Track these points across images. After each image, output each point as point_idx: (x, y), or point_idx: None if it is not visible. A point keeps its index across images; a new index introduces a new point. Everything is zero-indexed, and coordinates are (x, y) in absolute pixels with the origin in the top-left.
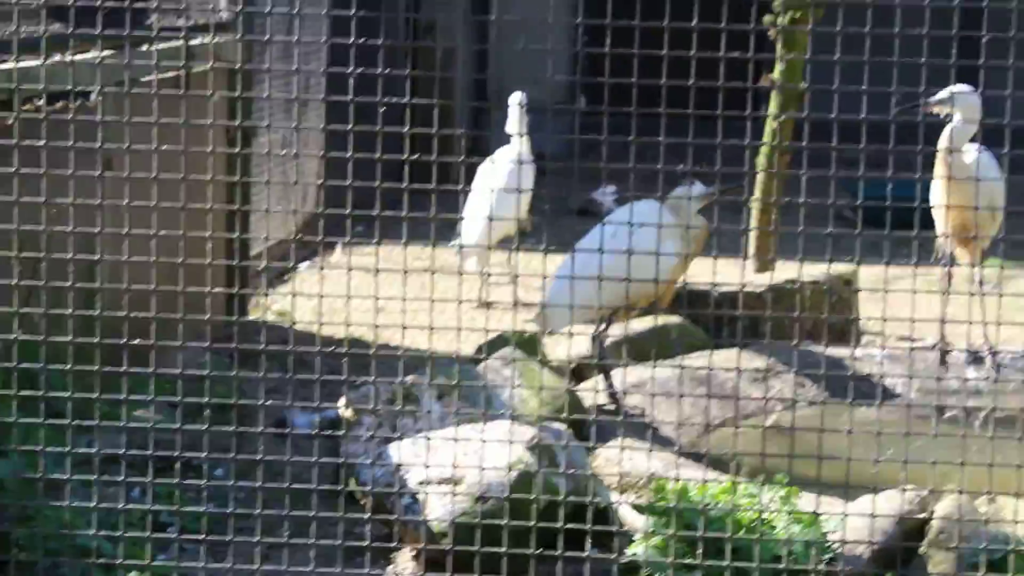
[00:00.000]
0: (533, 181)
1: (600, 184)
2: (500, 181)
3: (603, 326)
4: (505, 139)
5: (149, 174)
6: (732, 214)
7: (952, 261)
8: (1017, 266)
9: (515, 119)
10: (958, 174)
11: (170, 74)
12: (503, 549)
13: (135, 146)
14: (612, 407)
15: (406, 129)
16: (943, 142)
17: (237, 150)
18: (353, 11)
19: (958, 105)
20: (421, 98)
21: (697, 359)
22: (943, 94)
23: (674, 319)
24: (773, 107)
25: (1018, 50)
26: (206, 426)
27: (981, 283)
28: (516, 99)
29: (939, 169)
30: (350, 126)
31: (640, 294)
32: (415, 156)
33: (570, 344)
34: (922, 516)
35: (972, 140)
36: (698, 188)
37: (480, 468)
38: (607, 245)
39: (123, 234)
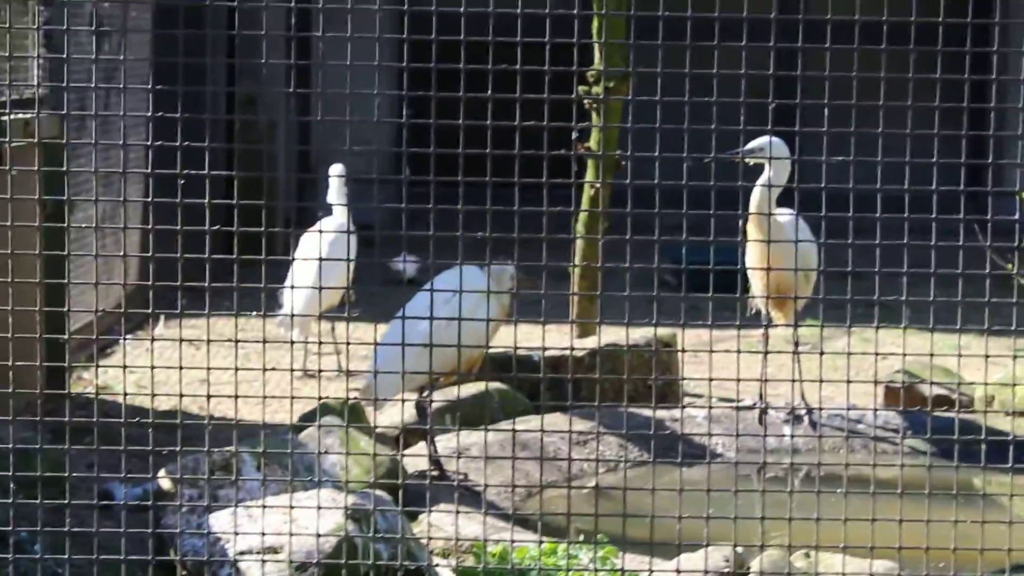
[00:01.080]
0: (356, 251)
1: (401, 253)
2: (324, 250)
3: (427, 392)
4: (328, 210)
5: None
6: (555, 280)
7: (770, 322)
8: (834, 327)
9: (335, 190)
10: (772, 236)
11: None
12: None
13: None
14: (436, 473)
15: (228, 199)
16: (754, 202)
17: (62, 223)
18: (179, 85)
19: (772, 156)
20: (244, 171)
21: (521, 423)
22: (756, 143)
23: (496, 385)
24: (591, 175)
25: (833, 117)
26: (10, 500)
27: (797, 344)
28: (336, 170)
29: (752, 231)
30: (177, 198)
31: (467, 358)
32: (234, 227)
33: (402, 409)
34: (741, 573)
35: (787, 205)
36: (510, 269)
37: (299, 536)
38: (427, 312)
39: None
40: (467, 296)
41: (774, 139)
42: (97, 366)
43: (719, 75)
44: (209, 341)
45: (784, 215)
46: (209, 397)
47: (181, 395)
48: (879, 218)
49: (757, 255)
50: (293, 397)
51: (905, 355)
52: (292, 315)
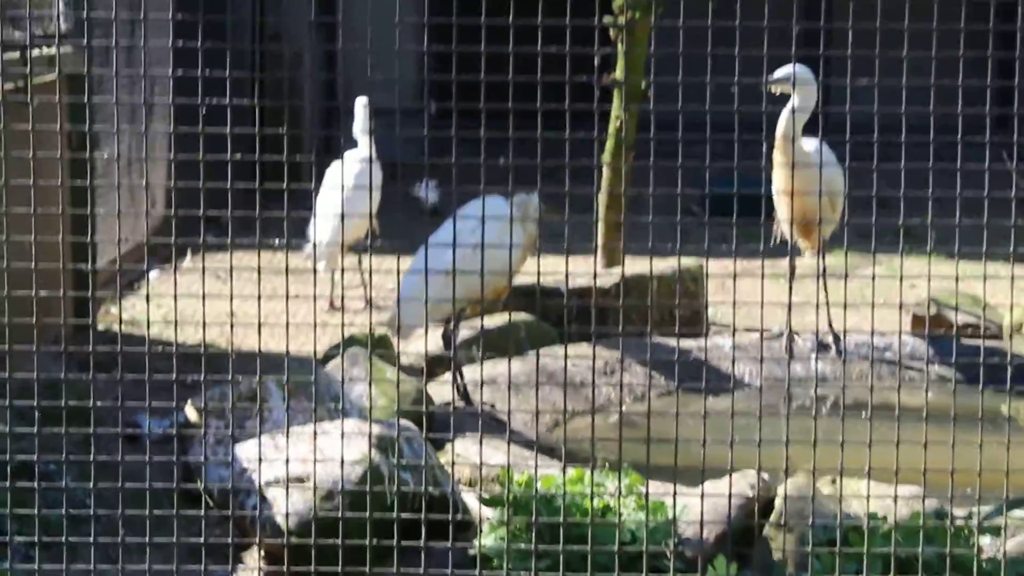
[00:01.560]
0: (382, 182)
1: (422, 179)
2: (349, 181)
3: (453, 323)
4: (355, 142)
5: None
6: (581, 210)
7: (796, 251)
8: (861, 255)
9: (361, 121)
10: (798, 160)
11: (10, 86)
12: (354, 542)
13: None
14: (462, 402)
15: (257, 130)
16: (780, 128)
17: (86, 155)
18: (201, 15)
19: (797, 85)
20: (270, 101)
21: (547, 353)
22: (781, 73)
23: (523, 315)
24: (616, 104)
25: (857, 40)
26: (35, 429)
27: (824, 272)
28: (361, 102)
29: (778, 156)
30: (200, 128)
31: (492, 287)
32: (263, 156)
33: (426, 340)
34: (767, 498)
35: (813, 132)
36: (535, 198)
37: (324, 465)
38: (458, 241)
39: None
40: (491, 225)
41: (799, 67)
42: (121, 297)
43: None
44: (232, 269)
45: (809, 141)
46: (232, 326)
47: (204, 324)
48: (903, 142)
49: (783, 181)
50: (317, 325)
51: (931, 279)
52: (314, 244)
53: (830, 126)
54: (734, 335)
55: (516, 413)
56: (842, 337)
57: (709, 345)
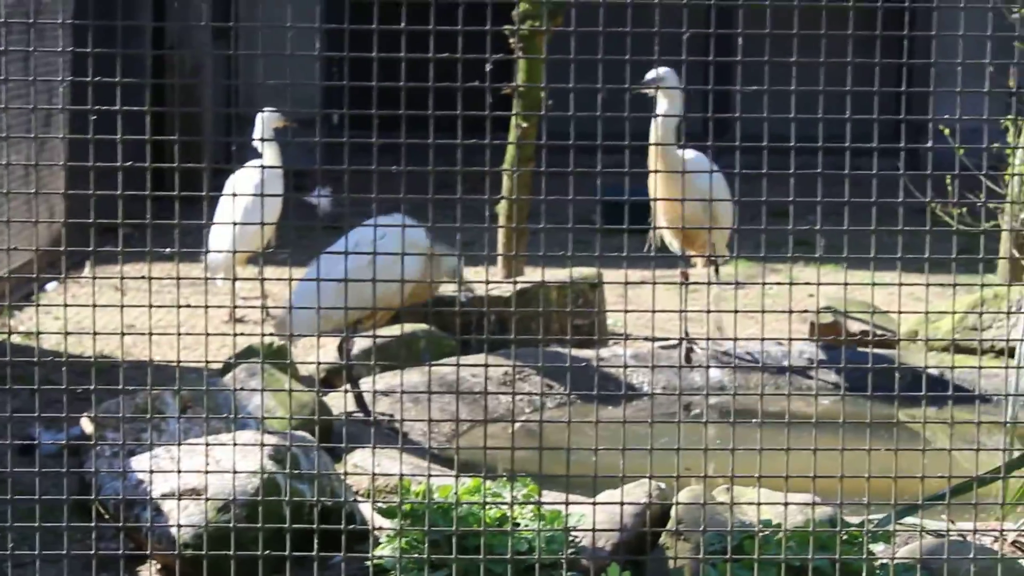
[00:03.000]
0: (283, 190)
1: (315, 186)
2: (249, 190)
3: (348, 334)
4: (256, 150)
5: None
6: (484, 220)
7: (687, 260)
8: (762, 265)
9: (259, 132)
10: (671, 166)
11: None
12: (246, 554)
13: None
14: (360, 413)
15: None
16: (653, 136)
17: None
18: (91, 20)
19: (662, 89)
20: (168, 108)
21: (446, 364)
22: (649, 76)
23: (422, 326)
24: (517, 112)
25: (749, 48)
26: None
27: (713, 282)
28: (263, 117)
29: (652, 163)
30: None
31: (385, 299)
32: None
33: (318, 352)
34: (663, 506)
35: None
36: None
37: (219, 477)
38: (351, 255)
39: None
40: (391, 239)
41: (664, 69)
42: (10, 306)
43: (632, 4)
44: (122, 279)
45: (690, 153)
46: (124, 335)
47: (95, 334)
48: (793, 146)
49: (659, 189)
50: (214, 336)
51: (819, 285)
52: (207, 255)
53: (733, 135)
54: (625, 342)
55: (416, 425)
56: (723, 343)
57: (606, 355)
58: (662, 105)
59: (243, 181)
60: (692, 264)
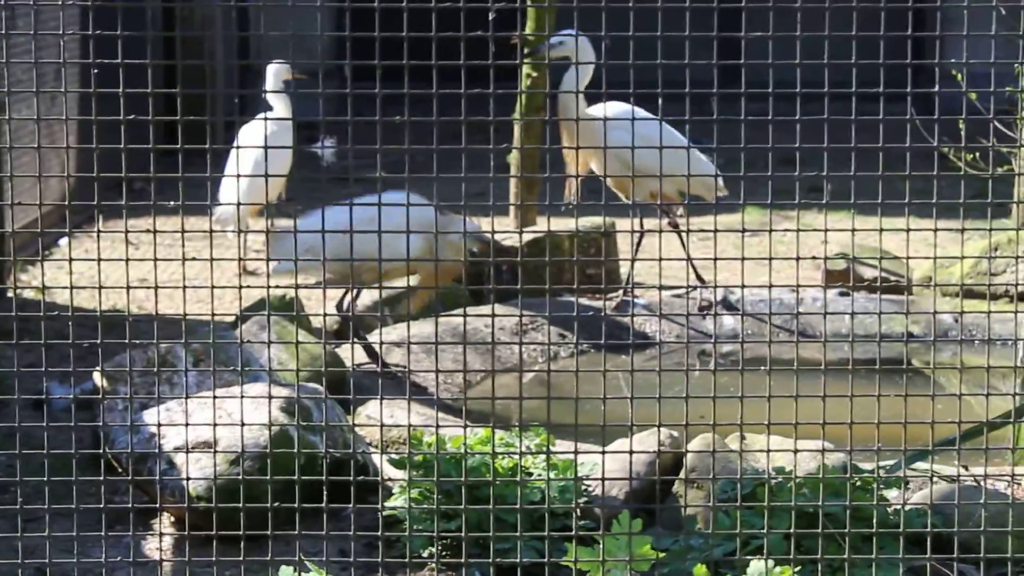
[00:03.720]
0: (292, 142)
1: (320, 136)
2: (257, 143)
3: (352, 295)
4: (267, 104)
5: None
6: (497, 170)
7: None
8: (775, 212)
9: (272, 86)
10: (589, 136)
11: None
12: (256, 506)
13: None
14: (371, 365)
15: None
16: (560, 107)
17: None
18: None
19: (572, 51)
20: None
21: (456, 315)
22: (556, 39)
23: None
24: (527, 64)
25: None
26: None
27: (676, 224)
28: (273, 69)
29: (563, 134)
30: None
31: (391, 274)
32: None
33: (324, 305)
34: (675, 455)
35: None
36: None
37: (232, 430)
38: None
39: None
40: (397, 213)
41: (567, 36)
42: (16, 260)
43: None
44: (127, 233)
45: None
46: (129, 288)
47: (100, 288)
48: (799, 92)
49: (565, 140)
50: (214, 287)
51: (826, 231)
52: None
53: (740, 82)
54: (630, 290)
55: (427, 376)
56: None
57: (617, 304)
58: (572, 73)
59: (252, 133)
60: (670, 211)
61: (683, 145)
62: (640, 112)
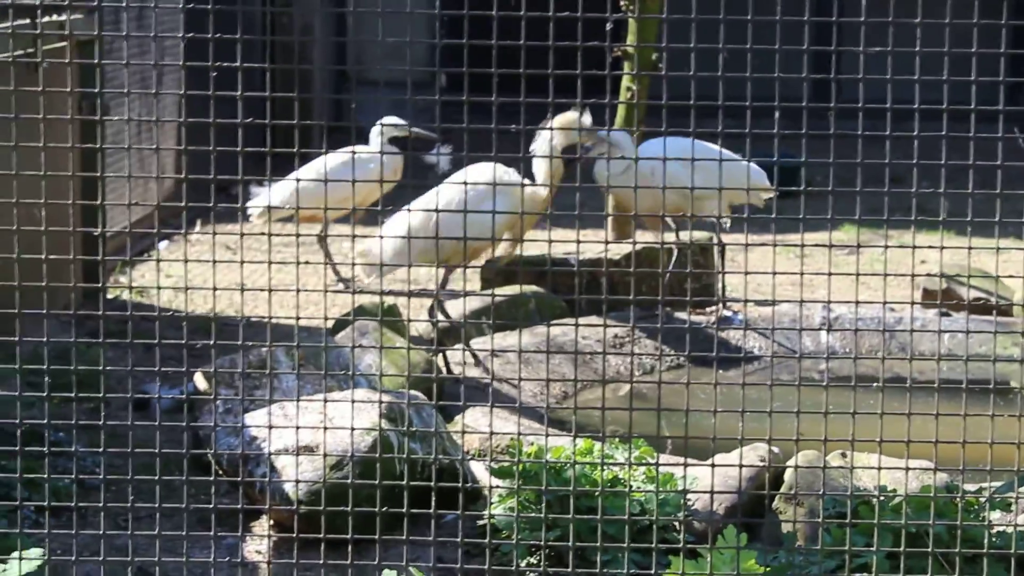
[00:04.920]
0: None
1: (435, 145)
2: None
3: (437, 295)
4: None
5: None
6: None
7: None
8: (873, 231)
9: (376, 144)
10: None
11: (21, 52)
12: (363, 510)
13: None
14: (474, 374)
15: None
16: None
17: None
18: None
19: (613, 155)
20: (279, 89)
21: (558, 328)
22: (603, 133)
23: (533, 288)
24: (627, 76)
25: (871, 7)
26: (45, 394)
27: (720, 242)
28: (376, 130)
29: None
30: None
31: (473, 247)
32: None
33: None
34: (777, 470)
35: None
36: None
37: (334, 435)
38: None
39: None
40: (473, 189)
41: (615, 134)
42: (131, 261)
43: None
44: (242, 235)
45: (651, 142)
46: (243, 290)
47: (215, 289)
48: (917, 108)
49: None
50: (327, 291)
51: (915, 248)
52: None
53: (841, 99)
54: (727, 304)
55: (525, 385)
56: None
57: (718, 318)
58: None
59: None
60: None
61: (720, 159)
62: (697, 143)
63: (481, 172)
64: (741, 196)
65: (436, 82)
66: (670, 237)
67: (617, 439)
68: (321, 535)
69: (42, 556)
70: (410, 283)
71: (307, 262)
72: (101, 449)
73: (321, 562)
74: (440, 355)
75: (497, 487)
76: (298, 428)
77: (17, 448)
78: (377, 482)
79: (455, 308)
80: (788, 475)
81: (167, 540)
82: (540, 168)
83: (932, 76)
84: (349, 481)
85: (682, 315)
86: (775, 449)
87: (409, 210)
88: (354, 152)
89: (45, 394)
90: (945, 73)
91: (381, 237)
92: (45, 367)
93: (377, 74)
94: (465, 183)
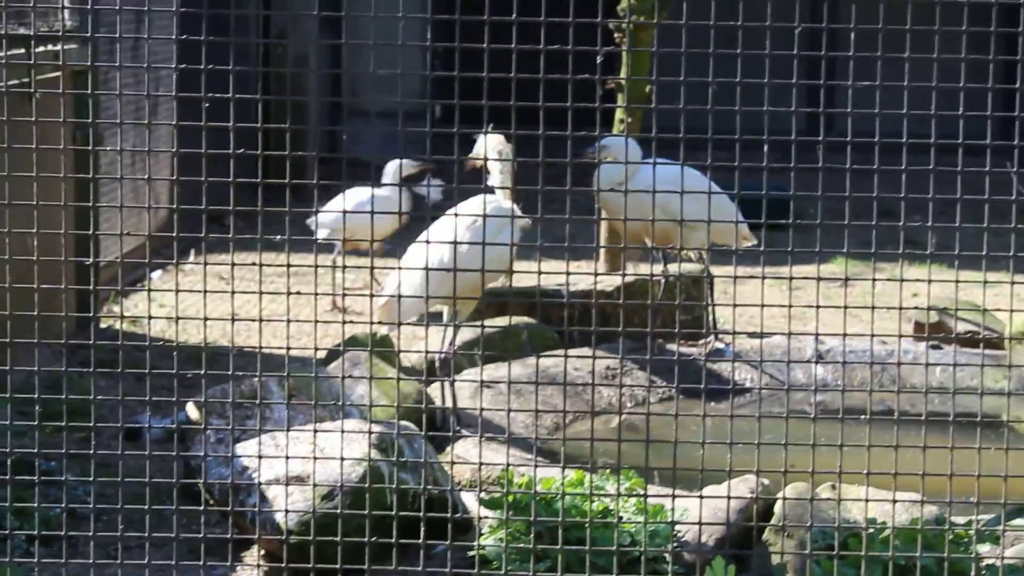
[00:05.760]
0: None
1: (426, 177)
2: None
3: (448, 340)
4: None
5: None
6: (585, 214)
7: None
8: (864, 263)
9: (390, 178)
10: (614, 212)
11: (15, 81)
12: (353, 540)
13: None
14: (462, 407)
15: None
16: (597, 184)
17: (89, 147)
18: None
19: (618, 155)
20: (273, 119)
21: (548, 356)
22: (603, 141)
23: (524, 319)
24: (620, 108)
25: (860, 42)
26: (36, 423)
27: (707, 275)
28: (392, 166)
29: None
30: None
31: (489, 281)
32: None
33: (427, 342)
34: (766, 502)
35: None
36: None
37: (325, 465)
38: (450, 237)
39: None
40: (489, 222)
41: (609, 140)
42: (123, 291)
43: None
44: (233, 266)
45: (644, 168)
46: (233, 320)
47: (205, 319)
48: (906, 142)
49: (607, 213)
50: (318, 322)
51: (902, 282)
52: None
53: (837, 131)
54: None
55: (516, 416)
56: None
57: (710, 350)
58: (612, 170)
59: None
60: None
61: (710, 192)
62: (687, 170)
63: (478, 204)
64: (725, 235)
65: (428, 113)
66: (659, 269)
67: (607, 470)
68: (311, 565)
69: None
70: (427, 315)
71: (298, 292)
72: (91, 478)
73: None
74: (448, 386)
75: (487, 518)
76: (288, 458)
77: (7, 477)
78: (367, 512)
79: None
80: (777, 507)
81: (156, 570)
82: (496, 171)
83: (921, 111)
84: (339, 512)
85: (673, 347)
86: (764, 481)
87: (428, 242)
88: (373, 188)
89: (36, 423)
90: (933, 107)
91: (398, 296)
92: (36, 396)
93: (371, 105)
94: (484, 215)
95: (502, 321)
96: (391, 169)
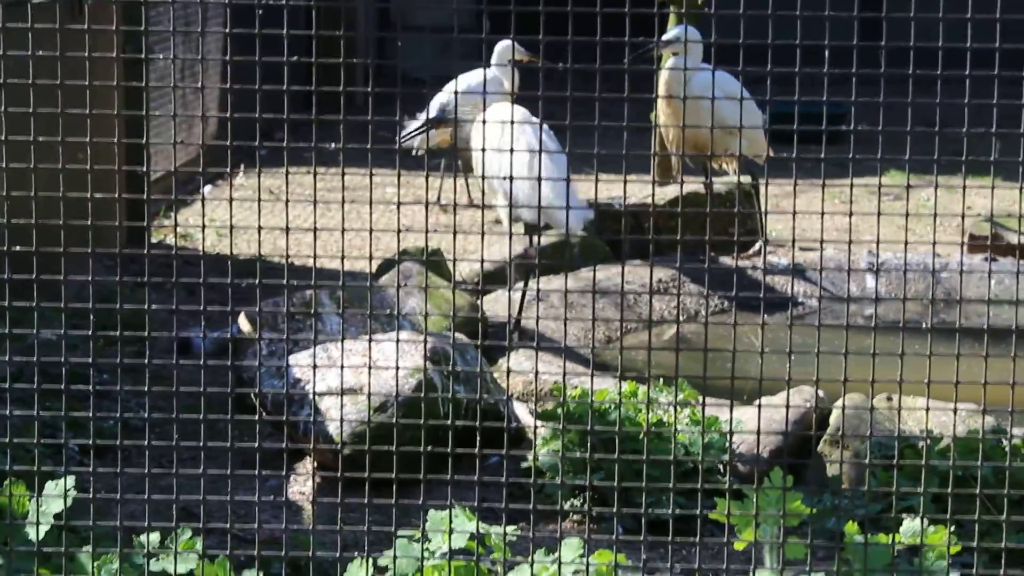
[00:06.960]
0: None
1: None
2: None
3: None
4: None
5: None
6: (637, 131)
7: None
8: (917, 176)
9: (497, 59)
10: (676, 112)
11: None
12: (408, 449)
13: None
14: (517, 318)
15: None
16: (663, 86)
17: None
18: None
19: (687, 44)
20: (324, 29)
21: (602, 269)
22: (671, 35)
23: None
24: (672, 22)
25: None
26: (90, 332)
27: (756, 187)
28: (501, 46)
29: (663, 109)
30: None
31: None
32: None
33: (482, 254)
34: (822, 413)
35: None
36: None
37: (377, 376)
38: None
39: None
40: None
41: (679, 30)
42: (175, 202)
43: None
44: (288, 174)
45: (700, 73)
46: (288, 230)
47: (260, 228)
48: (969, 47)
49: (667, 117)
50: (372, 230)
51: (965, 188)
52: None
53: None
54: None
55: (570, 329)
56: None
57: (764, 262)
58: (681, 58)
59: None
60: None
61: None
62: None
63: (504, 111)
64: (756, 145)
65: (484, 20)
66: (703, 180)
67: (662, 381)
68: (365, 476)
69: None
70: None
71: (352, 201)
72: (146, 388)
73: (365, 502)
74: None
75: (542, 427)
76: (343, 368)
77: (62, 388)
78: (422, 423)
79: (500, 252)
80: (834, 417)
81: (211, 480)
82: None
83: (985, 14)
84: (394, 422)
85: (727, 259)
86: (821, 392)
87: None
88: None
89: (90, 333)
90: (998, 13)
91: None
92: (91, 306)
93: (422, 18)
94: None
95: (555, 235)
96: (501, 49)
